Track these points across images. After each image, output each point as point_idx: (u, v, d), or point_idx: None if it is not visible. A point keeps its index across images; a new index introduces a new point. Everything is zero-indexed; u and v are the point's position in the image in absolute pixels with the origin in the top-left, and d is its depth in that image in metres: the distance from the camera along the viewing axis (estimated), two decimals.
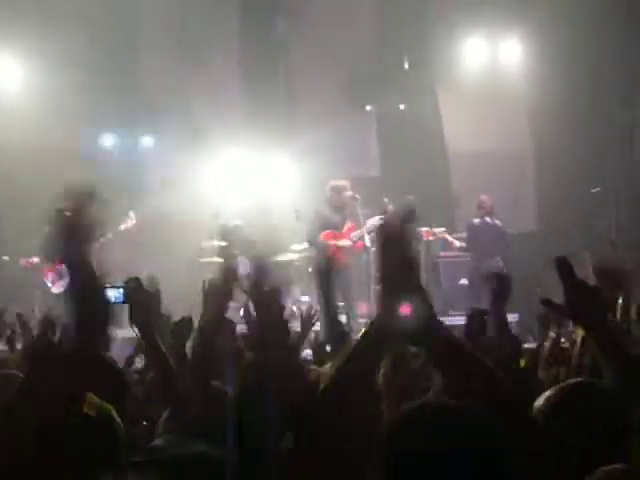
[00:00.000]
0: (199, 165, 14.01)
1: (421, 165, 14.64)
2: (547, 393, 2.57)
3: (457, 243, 13.06)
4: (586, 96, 14.18)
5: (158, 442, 3.28)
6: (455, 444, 1.90)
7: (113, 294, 3.25)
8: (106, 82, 13.87)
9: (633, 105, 14.18)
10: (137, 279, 3.47)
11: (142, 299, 3.44)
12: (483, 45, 14.85)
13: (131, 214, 12.24)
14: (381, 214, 10.80)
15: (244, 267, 12.78)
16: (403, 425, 1.97)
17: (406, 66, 15.16)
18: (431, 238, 13.58)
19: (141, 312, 3.44)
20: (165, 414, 3.58)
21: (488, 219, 12.93)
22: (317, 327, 11.15)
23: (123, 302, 3.39)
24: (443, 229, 13.62)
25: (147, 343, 3.51)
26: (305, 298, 13.42)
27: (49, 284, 12.01)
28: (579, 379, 2.74)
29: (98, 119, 14.24)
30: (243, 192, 14.26)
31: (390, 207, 11.06)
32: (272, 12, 14.76)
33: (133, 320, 3.44)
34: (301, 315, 5.21)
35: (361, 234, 11.57)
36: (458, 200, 14.07)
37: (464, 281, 13.16)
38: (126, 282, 3.43)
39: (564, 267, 2.45)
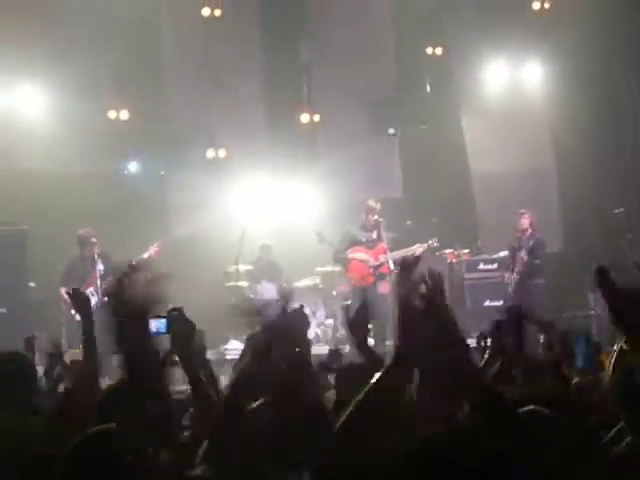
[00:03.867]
0: (224, 190, 14.07)
1: (444, 187, 14.63)
2: None
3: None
4: (608, 115, 14.17)
5: (198, 471, 3.29)
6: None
7: (156, 325, 3.24)
8: (129, 109, 13.95)
9: None
10: (179, 309, 3.47)
11: (184, 329, 3.44)
12: (505, 67, 14.87)
13: (155, 244, 12.24)
14: None
15: (269, 292, 12.64)
16: (429, 449, 2.18)
17: (428, 89, 15.21)
18: (454, 260, 13.58)
19: (183, 342, 3.44)
20: (205, 443, 3.58)
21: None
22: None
23: (166, 332, 3.38)
24: (467, 250, 13.61)
25: (188, 372, 3.52)
26: (329, 321, 13.41)
27: (72, 312, 11.93)
28: None
29: (122, 146, 14.32)
30: (268, 216, 14.31)
31: None
32: (295, 37, 14.83)
33: (175, 350, 3.44)
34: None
35: (387, 259, 11.66)
36: (482, 221, 14.04)
37: (489, 302, 13.12)
38: (168, 312, 3.42)
39: (603, 276, 2.50)
